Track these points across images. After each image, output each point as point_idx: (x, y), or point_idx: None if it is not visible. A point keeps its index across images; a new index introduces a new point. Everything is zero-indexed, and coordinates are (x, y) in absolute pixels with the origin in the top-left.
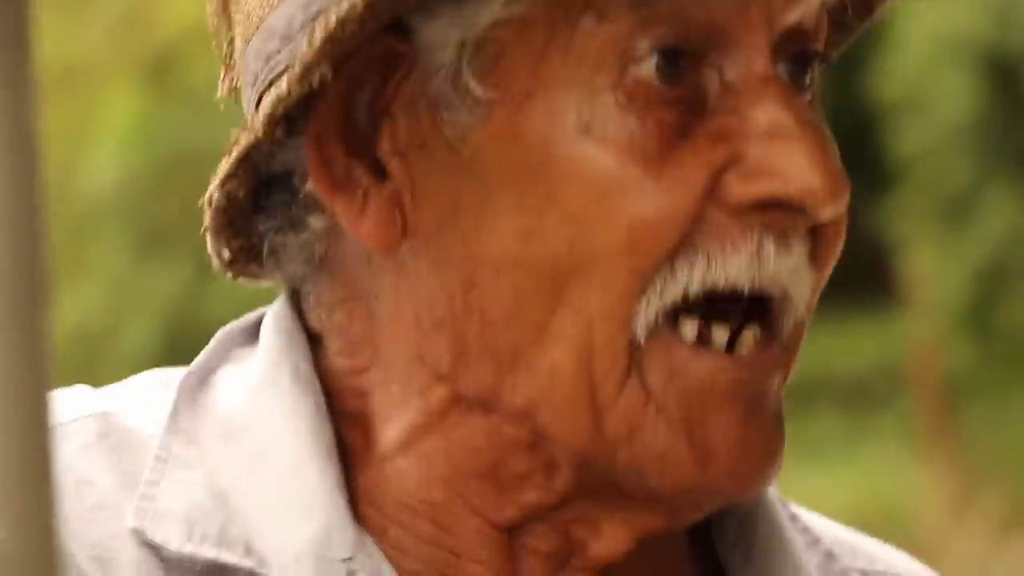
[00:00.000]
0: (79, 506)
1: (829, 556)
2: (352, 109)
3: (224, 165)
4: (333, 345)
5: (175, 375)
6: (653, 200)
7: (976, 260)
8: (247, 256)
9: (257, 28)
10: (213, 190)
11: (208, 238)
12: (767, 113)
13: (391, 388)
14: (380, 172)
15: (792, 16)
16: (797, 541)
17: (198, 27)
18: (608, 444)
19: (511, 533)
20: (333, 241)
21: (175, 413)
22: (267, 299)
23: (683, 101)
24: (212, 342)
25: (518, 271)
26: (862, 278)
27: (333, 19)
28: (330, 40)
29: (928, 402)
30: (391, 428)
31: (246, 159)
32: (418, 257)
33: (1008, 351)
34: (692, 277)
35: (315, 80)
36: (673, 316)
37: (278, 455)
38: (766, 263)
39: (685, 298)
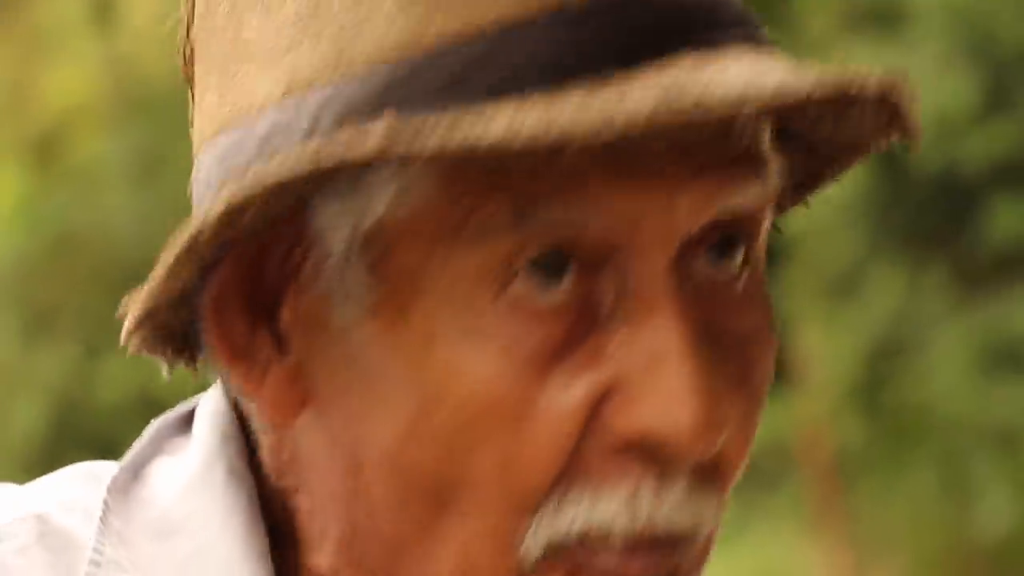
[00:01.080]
0: None
1: None
2: (256, 279)
3: (146, 296)
4: (265, 457)
5: (108, 469)
6: (528, 427)
7: (864, 337)
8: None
9: (200, 146)
10: (129, 321)
11: (144, 350)
12: (652, 332)
13: (316, 519)
14: (283, 345)
15: (703, 219)
16: None
17: (83, 104)
18: None
19: None
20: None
21: (106, 511)
22: (162, 382)
23: (572, 312)
24: (145, 433)
25: (397, 470)
26: None
27: (220, 208)
28: (228, 218)
29: (819, 480)
30: (321, 557)
31: (152, 316)
32: (316, 430)
33: (897, 428)
34: (576, 514)
35: (206, 255)
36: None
37: (211, 557)
38: (642, 507)
39: (570, 534)
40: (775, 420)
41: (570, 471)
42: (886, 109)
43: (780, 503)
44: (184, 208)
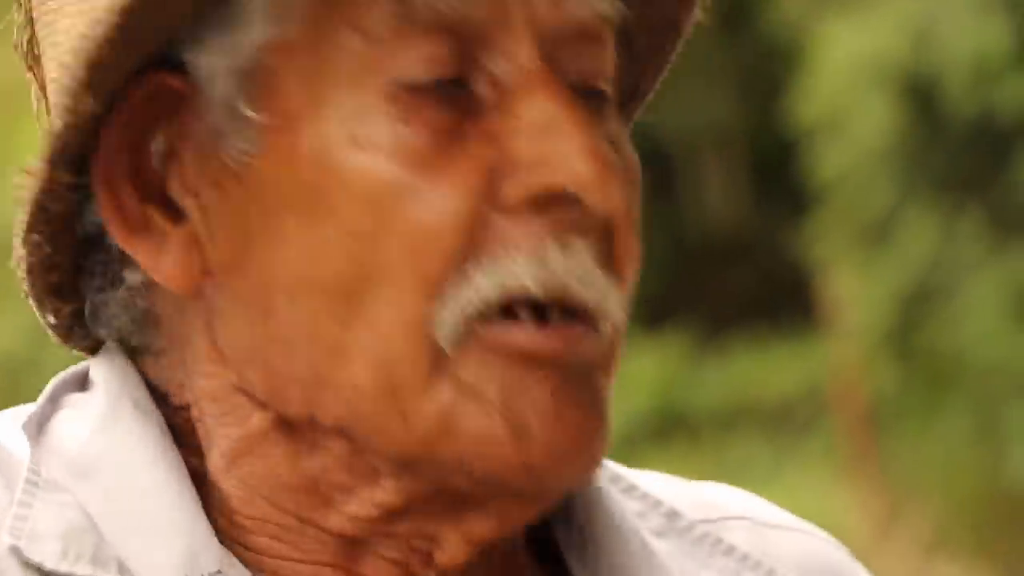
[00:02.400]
0: None
1: (672, 515)
2: (141, 151)
3: (21, 218)
4: (164, 388)
5: (23, 413)
6: (429, 205)
7: (897, 283)
8: (77, 320)
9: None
10: (18, 248)
11: (32, 304)
12: (535, 108)
13: (206, 420)
14: (176, 213)
15: (559, 15)
16: (633, 523)
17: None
18: (426, 444)
19: (356, 545)
20: (151, 294)
21: (31, 447)
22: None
23: (454, 99)
24: (44, 393)
25: (309, 293)
26: (784, 302)
27: (89, 44)
28: (89, 66)
29: (852, 425)
30: (213, 455)
31: (43, 211)
32: (222, 294)
33: (930, 373)
34: (484, 280)
35: (82, 110)
36: (494, 313)
37: (135, 483)
38: (550, 264)
39: (487, 304)
40: (808, 366)
41: (472, 247)
42: None
43: (814, 448)
44: None
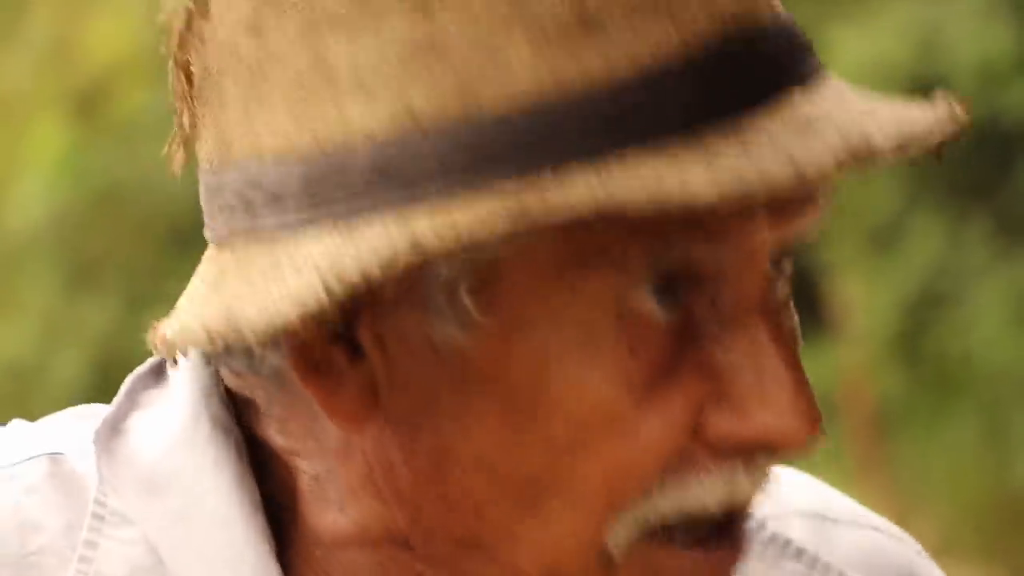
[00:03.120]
0: (22, 550)
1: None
2: None
3: (190, 326)
4: (263, 415)
5: (99, 412)
6: (637, 438)
7: (905, 287)
8: None
9: (236, 162)
10: (171, 335)
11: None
12: (755, 350)
13: (329, 487)
14: (357, 351)
15: (792, 235)
16: None
17: (127, 58)
18: None
19: None
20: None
21: (99, 463)
22: None
23: (677, 329)
24: (121, 389)
25: (490, 477)
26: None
27: (353, 272)
28: (336, 289)
29: (860, 429)
30: (329, 518)
31: None
32: (383, 431)
33: (939, 377)
34: (668, 504)
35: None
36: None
37: (204, 507)
38: (737, 492)
39: (670, 521)
40: (817, 370)
41: (665, 473)
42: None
43: (822, 452)
44: None
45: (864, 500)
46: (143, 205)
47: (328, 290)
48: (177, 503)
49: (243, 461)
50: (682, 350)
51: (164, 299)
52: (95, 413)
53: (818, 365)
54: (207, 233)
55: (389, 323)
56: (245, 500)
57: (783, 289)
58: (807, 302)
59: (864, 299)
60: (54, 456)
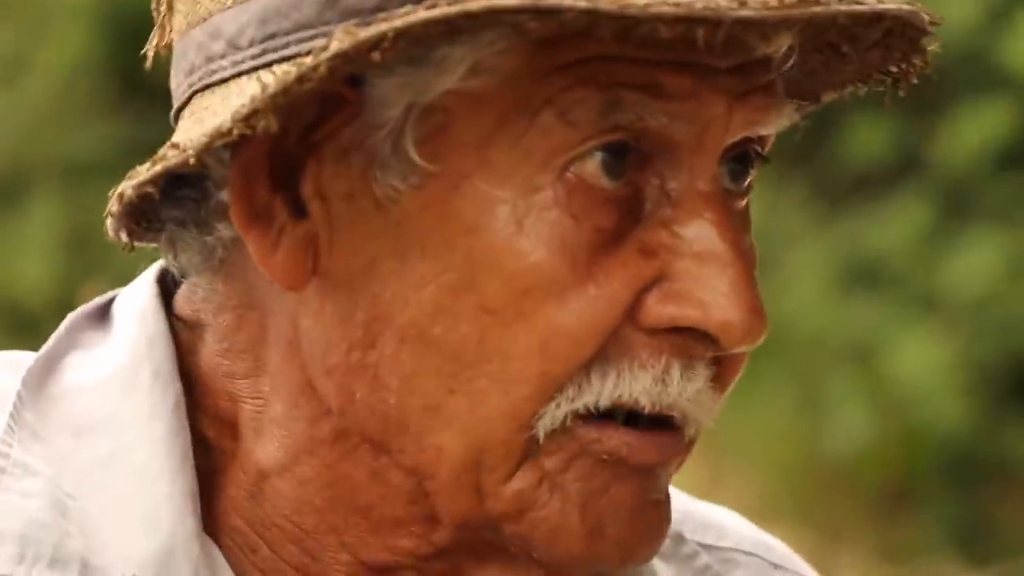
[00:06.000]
0: None
1: (677, 539)
2: (282, 140)
3: (144, 171)
4: (212, 343)
5: (22, 359)
6: (576, 310)
7: None
8: (141, 230)
9: (203, 19)
10: (127, 189)
11: (109, 221)
12: (700, 235)
13: (274, 405)
14: (299, 210)
15: (746, 131)
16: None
17: None
18: (493, 519)
19: (382, 572)
20: (238, 248)
21: (18, 406)
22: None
23: (622, 203)
24: (61, 326)
25: (423, 347)
26: None
27: (293, 75)
28: (284, 92)
29: None
30: (270, 445)
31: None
32: (323, 299)
33: None
34: (602, 390)
35: (260, 126)
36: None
37: (131, 459)
38: (669, 387)
39: (593, 410)
40: None
41: (601, 356)
42: (905, 37)
43: None
44: (44, 112)
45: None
46: None
47: (266, 92)
48: (104, 448)
49: (180, 417)
50: (629, 227)
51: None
52: (7, 360)
53: None
54: (172, 114)
55: (333, 177)
56: (175, 455)
57: (741, 198)
58: None
59: None
60: None
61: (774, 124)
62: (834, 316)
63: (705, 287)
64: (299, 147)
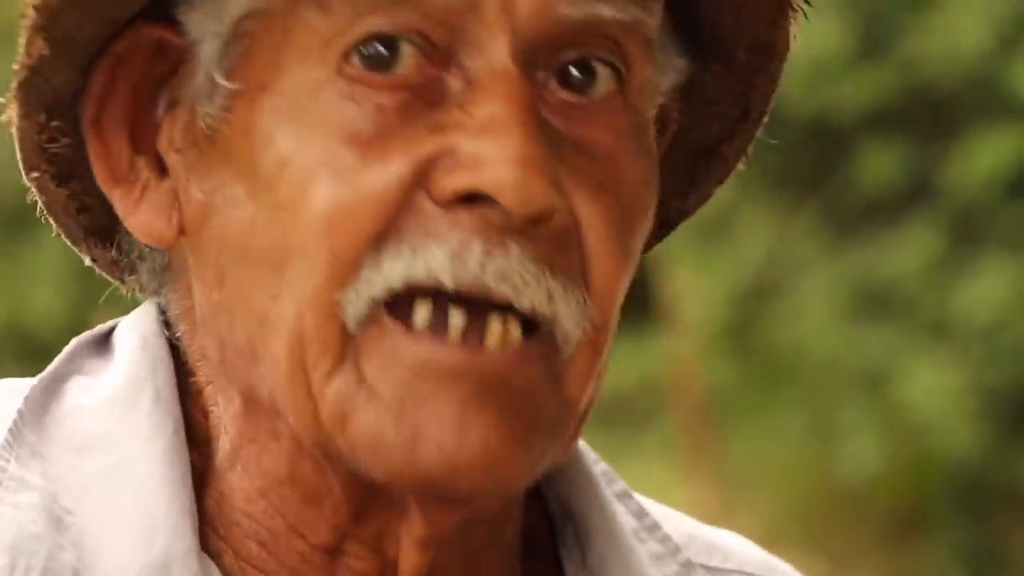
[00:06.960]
0: None
1: (676, 550)
2: (146, 102)
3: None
4: (189, 360)
5: (22, 385)
6: (354, 185)
7: (734, 279)
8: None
9: None
10: (30, 185)
11: (69, 242)
12: (487, 107)
13: (220, 403)
14: (164, 169)
15: (545, 21)
16: (635, 546)
17: None
18: (326, 431)
19: (333, 555)
20: (176, 255)
21: (19, 424)
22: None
23: (414, 89)
24: (63, 352)
25: (247, 263)
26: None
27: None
28: (45, 10)
29: (689, 419)
30: (222, 441)
31: (41, 150)
32: (192, 255)
33: (766, 369)
34: (396, 268)
35: (34, 51)
36: (404, 304)
37: (130, 474)
38: (469, 262)
39: (390, 291)
40: (646, 359)
41: (394, 233)
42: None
43: (650, 441)
44: None
45: (692, 489)
46: None
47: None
48: (104, 463)
49: (179, 436)
50: (422, 111)
51: None
52: (17, 388)
53: (648, 356)
54: None
55: (182, 128)
56: (175, 474)
57: (595, 100)
58: (637, 294)
59: (693, 290)
60: None
61: (607, 15)
62: (845, 343)
63: (482, 152)
64: (158, 107)
